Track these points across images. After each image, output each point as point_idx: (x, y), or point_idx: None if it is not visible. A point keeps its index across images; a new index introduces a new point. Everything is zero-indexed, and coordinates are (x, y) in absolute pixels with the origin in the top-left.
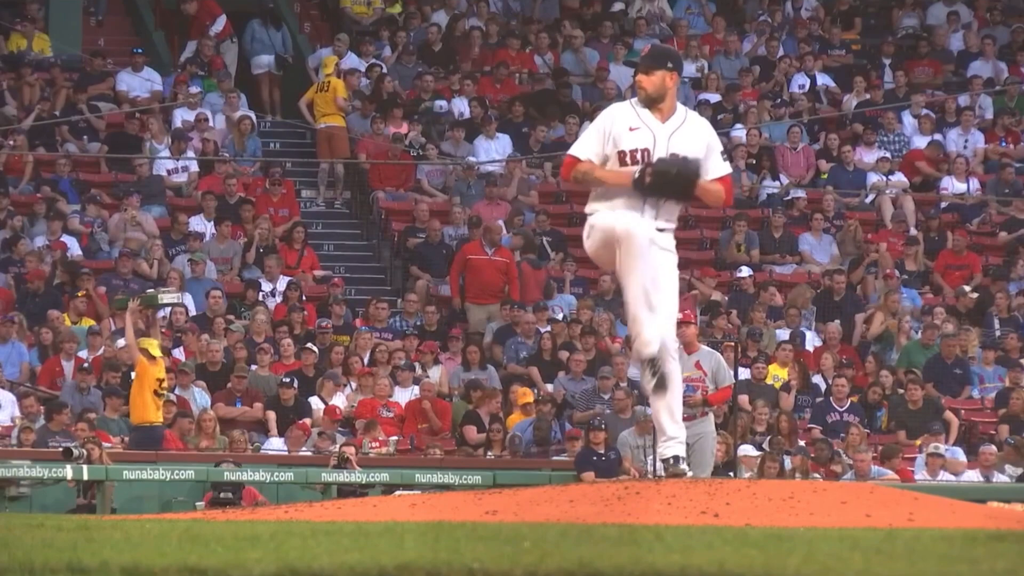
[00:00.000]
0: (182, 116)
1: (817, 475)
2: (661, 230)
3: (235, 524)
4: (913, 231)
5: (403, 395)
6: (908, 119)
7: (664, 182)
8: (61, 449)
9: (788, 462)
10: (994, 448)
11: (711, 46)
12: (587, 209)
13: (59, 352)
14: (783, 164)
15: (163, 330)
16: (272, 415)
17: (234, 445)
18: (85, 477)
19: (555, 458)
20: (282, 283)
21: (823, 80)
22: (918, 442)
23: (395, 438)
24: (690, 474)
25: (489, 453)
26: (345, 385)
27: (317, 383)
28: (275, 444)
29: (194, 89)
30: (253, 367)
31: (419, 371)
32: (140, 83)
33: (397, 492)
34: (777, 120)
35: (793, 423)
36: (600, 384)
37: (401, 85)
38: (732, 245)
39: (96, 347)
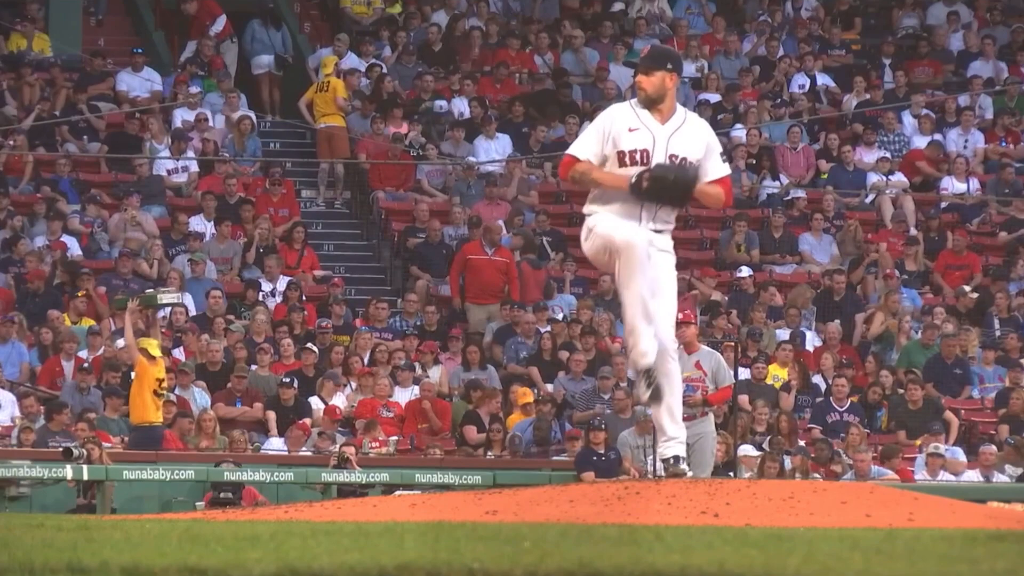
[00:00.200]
0: (182, 116)
1: (817, 475)
2: (659, 231)
3: (235, 524)
4: (913, 231)
5: (403, 395)
6: (908, 119)
7: (660, 188)
8: (61, 449)
9: (788, 462)
10: (994, 448)
11: (711, 46)
12: (585, 210)
13: (59, 352)
14: (783, 164)
15: (163, 330)
16: (272, 415)
17: (234, 445)
18: (85, 477)
19: (555, 458)
20: (282, 283)
21: (823, 80)
22: (918, 442)
23: (395, 438)
24: (690, 474)
25: (489, 453)
26: (345, 385)
27: (317, 383)
28: (275, 444)
29: (194, 89)
30: (253, 367)
31: (419, 371)
32: (140, 83)
33: (397, 492)
34: (777, 120)
35: (793, 423)
36: (600, 384)
37: (401, 85)
38: (732, 245)
39: (96, 347)
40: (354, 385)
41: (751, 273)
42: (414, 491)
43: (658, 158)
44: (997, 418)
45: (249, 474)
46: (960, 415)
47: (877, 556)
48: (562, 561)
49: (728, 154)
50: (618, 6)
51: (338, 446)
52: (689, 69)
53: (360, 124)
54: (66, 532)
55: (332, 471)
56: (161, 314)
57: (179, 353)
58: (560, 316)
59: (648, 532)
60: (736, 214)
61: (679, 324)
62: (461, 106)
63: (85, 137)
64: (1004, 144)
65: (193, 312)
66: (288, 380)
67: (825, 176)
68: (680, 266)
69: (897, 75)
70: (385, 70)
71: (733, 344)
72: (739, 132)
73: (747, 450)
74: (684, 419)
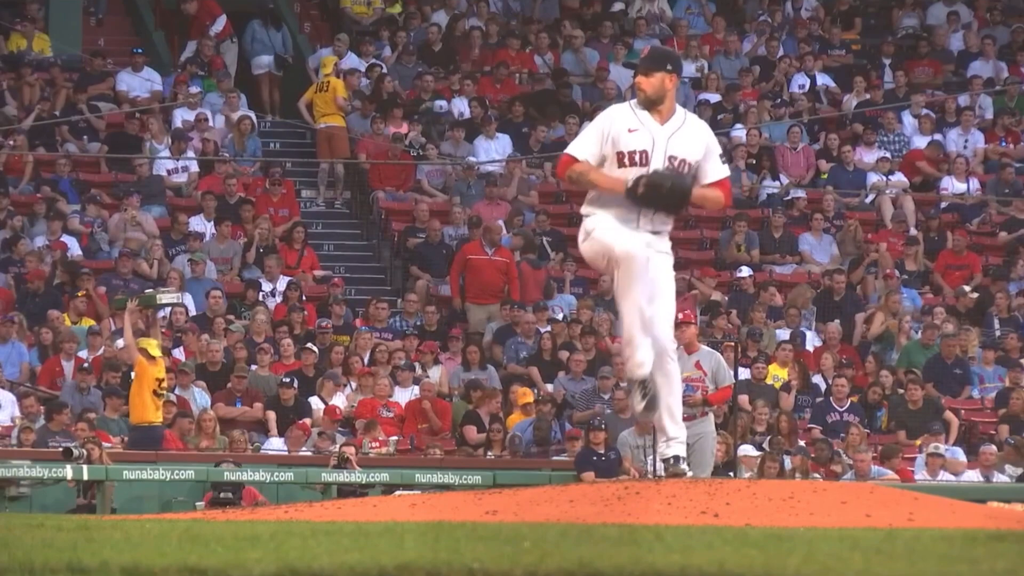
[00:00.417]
0: (182, 116)
1: (817, 475)
2: (657, 232)
3: (235, 524)
4: (913, 231)
5: (403, 395)
6: (908, 119)
7: (656, 195)
8: (61, 449)
9: (788, 462)
10: (994, 448)
11: (711, 46)
12: (583, 210)
13: (59, 352)
14: (783, 164)
15: (163, 330)
16: (272, 415)
17: (234, 445)
18: (85, 477)
19: (555, 458)
20: (282, 283)
21: (823, 80)
22: (918, 442)
23: (395, 438)
24: (690, 474)
25: (489, 453)
26: (345, 385)
27: (317, 383)
28: (275, 444)
29: (194, 89)
30: (253, 367)
31: (419, 371)
32: (140, 83)
33: (397, 492)
34: (777, 120)
35: (793, 423)
36: (600, 384)
37: (401, 85)
38: (732, 245)
39: (96, 347)
40: (354, 385)
41: (751, 273)
42: (414, 491)
43: (657, 159)
44: (997, 418)
45: (249, 474)
46: (960, 415)
47: (877, 556)
48: (562, 561)
49: (728, 154)
50: (618, 6)
51: (338, 446)
52: (689, 69)
53: (360, 124)
54: (66, 532)
55: (332, 471)
56: (161, 314)
57: (179, 353)
58: (560, 316)
59: (648, 532)
60: (736, 214)
61: (679, 324)
62: (461, 106)
63: (85, 137)
64: (1004, 144)
65: (193, 312)
66: (288, 380)
67: (825, 176)
68: (680, 266)
69: (897, 75)
70: (385, 70)
71: (733, 344)
72: (739, 132)
73: (747, 450)
74: (684, 419)
